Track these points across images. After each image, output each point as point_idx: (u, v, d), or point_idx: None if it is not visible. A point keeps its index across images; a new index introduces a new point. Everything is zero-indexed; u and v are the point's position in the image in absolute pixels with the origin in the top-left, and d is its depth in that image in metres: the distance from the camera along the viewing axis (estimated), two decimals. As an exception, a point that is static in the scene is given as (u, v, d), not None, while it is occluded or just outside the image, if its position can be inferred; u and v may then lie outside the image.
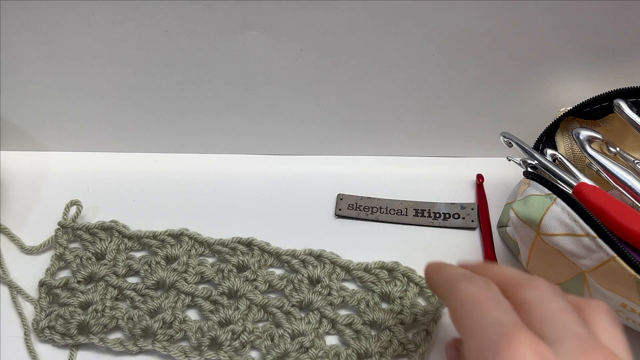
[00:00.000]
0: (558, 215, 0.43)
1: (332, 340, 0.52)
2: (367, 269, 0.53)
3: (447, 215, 0.60)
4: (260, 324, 0.52)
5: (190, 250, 0.54)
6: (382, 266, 0.53)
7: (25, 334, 0.50)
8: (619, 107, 0.52)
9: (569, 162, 0.50)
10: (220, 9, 0.52)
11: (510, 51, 0.56)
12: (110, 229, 0.56)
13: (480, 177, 0.64)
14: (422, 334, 0.49)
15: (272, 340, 0.50)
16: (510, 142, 0.53)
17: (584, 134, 0.51)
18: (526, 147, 0.51)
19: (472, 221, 0.59)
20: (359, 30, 0.54)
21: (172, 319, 0.51)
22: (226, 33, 0.54)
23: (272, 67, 0.58)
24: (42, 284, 0.53)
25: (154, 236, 0.55)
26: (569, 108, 0.54)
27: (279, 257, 0.54)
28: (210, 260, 0.56)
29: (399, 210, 0.60)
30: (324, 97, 0.61)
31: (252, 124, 0.64)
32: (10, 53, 0.54)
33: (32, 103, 0.61)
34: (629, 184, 0.47)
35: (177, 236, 0.55)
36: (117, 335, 0.52)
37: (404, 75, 0.59)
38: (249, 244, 0.54)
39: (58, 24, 0.53)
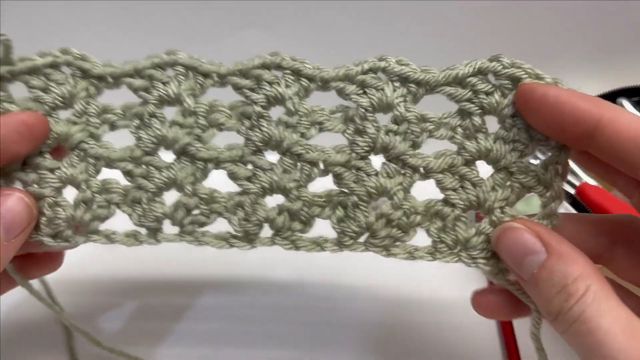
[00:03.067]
0: (566, 206, 0.42)
1: (422, 193, 0.36)
2: (458, 80, 0.34)
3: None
4: (320, 190, 0.36)
5: (193, 89, 0.35)
6: (480, 70, 0.34)
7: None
8: (622, 106, 0.52)
9: (572, 161, 0.50)
10: (220, 7, 0.52)
11: (511, 50, 0.56)
12: (67, 65, 0.36)
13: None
14: (551, 172, 0.34)
15: (344, 210, 0.35)
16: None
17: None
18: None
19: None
20: (358, 29, 0.54)
21: (194, 196, 0.36)
22: (225, 31, 0.54)
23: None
24: None
25: (137, 71, 0.35)
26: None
27: (324, 84, 0.35)
28: (222, 98, 0.37)
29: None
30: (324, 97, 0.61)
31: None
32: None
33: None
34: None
35: (171, 66, 0.36)
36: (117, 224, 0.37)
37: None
38: (280, 66, 0.35)
39: (57, 25, 0.53)
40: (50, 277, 0.52)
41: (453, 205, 0.35)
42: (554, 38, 0.55)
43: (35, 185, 0.35)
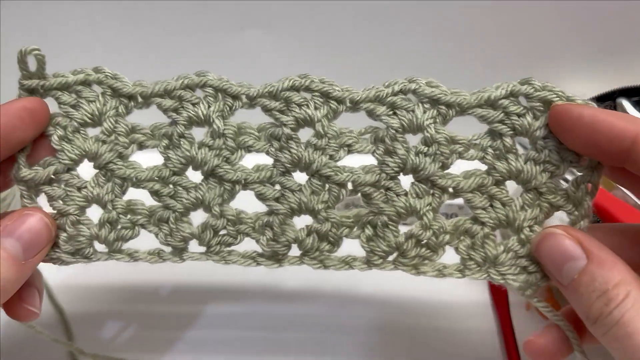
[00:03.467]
0: (560, 215, 0.42)
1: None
2: (490, 102, 0.34)
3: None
4: (348, 211, 0.37)
5: (222, 111, 0.35)
6: (512, 92, 0.34)
7: None
8: (622, 106, 0.52)
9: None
10: (220, 7, 0.52)
11: (511, 50, 0.56)
12: (98, 84, 0.35)
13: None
14: (582, 191, 0.34)
15: (374, 230, 0.35)
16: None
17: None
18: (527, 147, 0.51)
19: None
20: (358, 29, 0.54)
21: (221, 217, 0.36)
22: (225, 31, 0.54)
23: (271, 65, 0.58)
24: (20, 179, 0.35)
25: (167, 92, 0.35)
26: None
27: (354, 105, 0.35)
28: (249, 119, 0.37)
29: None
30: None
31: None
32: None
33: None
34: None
35: (201, 87, 0.35)
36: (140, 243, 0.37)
37: (404, 73, 0.59)
38: (308, 88, 0.35)
39: (57, 24, 0.53)
40: (53, 282, 0.52)
41: (482, 224, 0.35)
42: (554, 38, 0.55)
43: (60, 202, 0.35)
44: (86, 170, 0.36)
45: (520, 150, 0.35)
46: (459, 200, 0.36)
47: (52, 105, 0.35)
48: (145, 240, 0.37)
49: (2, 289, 0.30)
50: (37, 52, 0.34)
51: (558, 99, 0.33)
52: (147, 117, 0.36)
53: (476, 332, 0.51)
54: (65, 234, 0.36)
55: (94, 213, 0.36)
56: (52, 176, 0.35)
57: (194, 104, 0.35)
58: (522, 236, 0.34)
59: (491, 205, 0.35)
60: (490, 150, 0.35)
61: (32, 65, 0.34)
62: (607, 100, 0.53)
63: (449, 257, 0.36)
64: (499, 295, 0.52)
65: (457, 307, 0.53)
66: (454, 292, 0.52)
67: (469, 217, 0.35)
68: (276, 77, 0.60)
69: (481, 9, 0.52)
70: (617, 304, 0.28)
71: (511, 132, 0.34)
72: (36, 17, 0.52)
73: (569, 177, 0.35)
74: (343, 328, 0.52)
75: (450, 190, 0.35)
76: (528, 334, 0.49)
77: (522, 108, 0.34)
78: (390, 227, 0.35)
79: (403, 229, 0.35)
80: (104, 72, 0.35)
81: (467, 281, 0.51)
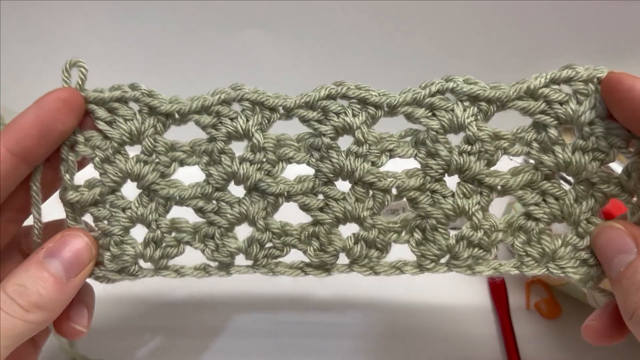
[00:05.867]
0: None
1: (499, 209, 0.37)
2: (530, 92, 0.33)
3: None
4: (395, 216, 0.36)
5: (261, 124, 0.34)
6: (553, 79, 0.33)
7: None
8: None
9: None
10: (220, 7, 0.52)
11: (512, 50, 0.56)
12: (135, 102, 0.35)
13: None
14: (634, 178, 0.32)
15: (423, 233, 0.35)
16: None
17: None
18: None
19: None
20: (358, 28, 0.54)
21: (267, 231, 0.35)
22: (225, 31, 0.54)
23: (271, 65, 0.58)
24: (67, 201, 0.35)
25: (204, 108, 0.34)
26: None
27: (392, 110, 0.34)
28: (286, 130, 0.36)
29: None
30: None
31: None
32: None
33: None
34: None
35: (238, 101, 0.35)
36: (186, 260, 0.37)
37: (403, 74, 0.59)
38: (345, 96, 0.34)
39: (57, 24, 0.53)
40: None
41: (537, 219, 0.34)
42: (554, 38, 0.55)
43: (106, 222, 0.36)
44: (129, 190, 0.36)
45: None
46: (403, 200, 0.36)
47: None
48: (190, 255, 0.37)
49: (49, 309, 0.31)
50: (81, 64, 0.34)
51: (602, 74, 0.32)
52: (184, 132, 0.36)
53: (476, 331, 0.51)
54: (109, 253, 0.36)
55: (139, 231, 0.36)
56: (98, 197, 0.35)
57: (231, 119, 0.34)
58: (580, 229, 0.34)
59: (544, 200, 0.34)
60: (535, 144, 0.33)
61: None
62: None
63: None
64: (499, 297, 0.52)
65: (457, 305, 0.53)
66: (454, 290, 0.52)
67: (521, 213, 0.35)
68: (277, 76, 0.60)
69: (481, 9, 0.52)
70: None
71: (555, 122, 0.33)
72: (36, 17, 0.52)
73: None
74: (342, 333, 0.52)
75: (499, 188, 0.34)
76: (528, 334, 0.50)
77: (564, 95, 0.32)
78: (440, 229, 0.35)
79: (452, 232, 0.35)
80: (140, 89, 0.35)
81: (467, 279, 0.51)
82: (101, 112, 0.35)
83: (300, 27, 0.54)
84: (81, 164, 0.36)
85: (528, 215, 0.34)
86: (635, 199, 0.33)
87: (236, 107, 0.35)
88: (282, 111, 0.34)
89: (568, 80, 0.32)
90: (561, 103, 0.33)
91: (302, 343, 0.51)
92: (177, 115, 0.35)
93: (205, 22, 0.53)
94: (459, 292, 0.52)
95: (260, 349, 0.51)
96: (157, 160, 0.35)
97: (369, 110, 0.34)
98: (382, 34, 0.54)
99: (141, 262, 0.37)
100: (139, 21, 0.53)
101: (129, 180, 0.36)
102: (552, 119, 0.33)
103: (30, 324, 0.31)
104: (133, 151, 0.35)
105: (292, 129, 0.35)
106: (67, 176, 0.35)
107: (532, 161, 0.34)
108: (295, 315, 0.53)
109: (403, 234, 0.35)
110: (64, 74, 0.34)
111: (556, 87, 0.33)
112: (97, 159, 0.35)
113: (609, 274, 0.31)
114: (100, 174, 0.35)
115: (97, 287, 0.38)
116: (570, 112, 0.32)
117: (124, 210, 0.36)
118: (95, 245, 0.35)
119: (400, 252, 0.36)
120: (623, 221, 0.32)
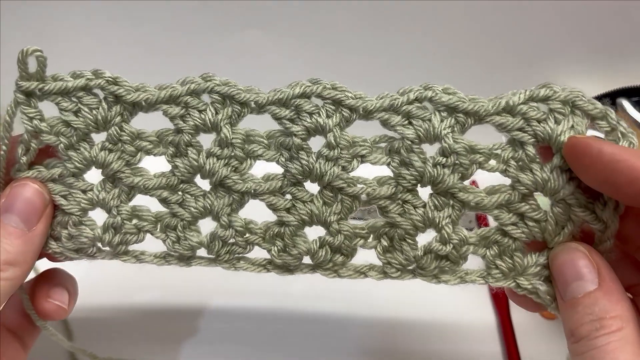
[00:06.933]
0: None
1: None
2: (508, 108, 0.32)
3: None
4: (361, 221, 0.35)
5: (230, 117, 0.34)
6: (532, 97, 0.32)
7: None
8: (622, 106, 0.52)
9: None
10: (220, 7, 0.52)
11: (512, 50, 0.56)
12: (100, 89, 0.34)
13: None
14: (610, 205, 0.32)
15: (391, 242, 0.34)
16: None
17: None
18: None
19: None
20: (357, 28, 0.54)
21: (230, 228, 0.34)
22: (225, 31, 0.54)
23: (271, 65, 0.58)
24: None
25: (173, 99, 0.33)
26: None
27: (367, 114, 0.33)
28: (256, 127, 0.35)
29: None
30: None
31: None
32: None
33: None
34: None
35: (208, 93, 0.34)
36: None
37: (403, 73, 0.59)
38: (320, 95, 0.33)
39: (57, 24, 0.53)
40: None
41: (514, 238, 0.33)
42: (554, 38, 0.55)
43: (63, 199, 0.35)
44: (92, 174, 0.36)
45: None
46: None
47: (48, 108, 0.34)
48: (154, 242, 0.36)
49: (21, 262, 0.32)
50: (38, 53, 0.33)
51: (580, 101, 0.31)
52: (152, 118, 0.35)
53: (476, 331, 0.51)
54: (66, 232, 0.35)
55: (100, 215, 0.36)
56: (56, 177, 0.35)
57: (200, 111, 0.33)
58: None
59: (523, 220, 0.33)
60: (512, 162, 0.32)
61: (32, 66, 0.33)
62: (607, 100, 0.53)
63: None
64: (499, 295, 0.52)
65: (457, 304, 0.52)
66: (454, 289, 0.52)
67: (497, 227, 0.34)
68: (276, 77, 0.60)
69: (481, 9, 0.51)
70: (608, 332, 0.28)
71: (533, 139, 0.32)
72: (36, 17, 0.52)
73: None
74: (341, 348, 0.51)
75: (472, 204, 0.33)
76: (528, 334, 0.50)
77: (542, 113, 0.32)
78: (408, 240, 0.34)
79: (423, 238, 0.34)
80: (104, 76, 0.33)
81: (470, 292, 0.51)
82: (66, 103, 0.34)
83: (300, 27, 0.53)
84: (45, 152, 0.35)
85: (505, 233, 0.34)
86: (607, 230, 0.32)
87: (206, 97, 0.34)
88: (253, 106, 0.33)
89: (546, 99, 0.32)
90: (539, 121, 0.32)
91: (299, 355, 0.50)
92: (144, 104, 0.34)
93: (205, 22, 0.53)
94: (458, 288, 0.52)
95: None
96: (122, 148, 0.34)
97: (344, 113, 0.33)
98: (381, 34, 0.54)
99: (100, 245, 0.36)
100: (139, 21, 0.53)
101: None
102: (529, 137, 0.32)
103: (7, 281, 0.31)
104: (98, 137, 0.35)
105: (262, 122, 0.34)
106: (24, 159, 0.34)
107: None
108: (292, 330, 0.53)
109: (370, 239, 0.35)
110: (19, 64, 0.33)
111: (534, 104, 0.32)
112: (61, 145, 0.34)
113: (561, 295, 0.31)
114: (64, 160, 0.34)
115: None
116: (549, 130, 0.31)
117: (84, 192, 0.35)
118: (46, 189, 0.34)
119: (367, 254, 0.35)
120: (588, 246, 0.32)
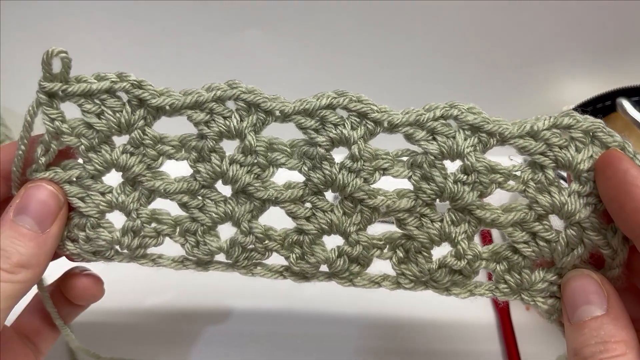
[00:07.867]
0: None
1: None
2: (532, 133, 0.33)
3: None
4: (379, 231, 0.36)
5: (255, 125, 0.34)
6: (555, 124, 0.33)
7: None
8: (622, 106, 0.52)
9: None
10: (220, 7, 0.52)
11: (511, 50, 0.56)
12: (124, 92, 0.33)
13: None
14: (620, 233, 0.33)
15: (406, 254, 0.35)
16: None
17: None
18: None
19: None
20: (358, 29, 0.54)
21: (250, 234, 0.34)
22: (225, 31, 0.54)
23: (271, 65, 0.58)
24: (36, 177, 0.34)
25: (197, 104, 0.33)
26: (571, 107, 0.54)
27: (392, 128, 0.33)
28: (275, 135, 0.35)
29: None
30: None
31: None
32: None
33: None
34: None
35: (233, 100, 0.34)
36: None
37: (403, 73, 0.59)
38: (346, 108, 0.33)
39: (57, 24, 0.53)
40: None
41: (524, 256, 0.35)
42: (554, 38, 0.55)
43: (80, 202, 0.34)
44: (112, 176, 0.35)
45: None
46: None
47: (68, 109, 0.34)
48: (170, 245, 0.36)
49: (34, 265, 0.32)
50: (64, 55, 0.32)
51: (601, 132, 0.32)
52: (174, 122, 0.35)
53: (476, 332, 0.51)
54: (83, 234, 0.35)
55: (117, 217, 0.36)
56: (73, 179, 0.34)
57: (225, 118, 0.33)
58: (563, 272, 0.34)
59: (534, 240, 0.34)
60: (532, 183, 0.33)
61: (56, 67, 0.33)
62: (608, 99, 0.53)
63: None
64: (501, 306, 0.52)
65: (457, 304, 0.52)
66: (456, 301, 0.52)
67: (508, 244, 0.35)
68: (276, 77, 0.60)
69: (481, 9, 0.51)
70: (611, 356, 0.29)
71: (553, 164, 0.33)
72: (36, 17, 0.52)
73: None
74: (341, 348, 0.52)
75: (488, 221, 0.34)
76: (528, 334, 0.50)
77: (564, 140, 0.33)
78: (423, 252, 0.35)
79: (437, 251, 0.35)
80: (129, 79, 0.33)
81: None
82: (89, 105, 0.33)
83: (300, 28, 0.53)
84: (64, 154, 0.34)
85: (514, 250, 0.35)
86: (616, 258, 0.33)
87: (230, 104, 0.33)
88: (278, 114, 0.33)
89: (568, 127, 0.33)
90: (561, 147, 0.33)
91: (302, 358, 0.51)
92: (168, 108, 0.33)
93: (206, 22, 0.53)
94: (461, 303, 0.51)
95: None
96: (144, 152, 0.34)
97: (368, 126, 0.33)
98: (382, 34, 0.54)
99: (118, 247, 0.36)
100: (139, 21, 0.53)
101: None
102: (550, 161, 0.33)
103: (19, 284, 0.31)
104: (120, 140, 0.35)
105: (283, 130, 0.35)
106: (43, 160, 0.34)
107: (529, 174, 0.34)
108: (294, 329, 0.53)
109: (386, 250, 0.35)
110: (43, 65, 0.32)
111: (556, 131, 0.33)
112: (82, 147, 0.34)
113: (569, 317, 0.32)
114: (84, 162, 0.34)
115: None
116: (570, 157, 0.33)
117: (103, 194, 0.35)
118: (61, 191, 0.34)
119: (381, 264, 0.36)
120: (601, 276, 0.33)
